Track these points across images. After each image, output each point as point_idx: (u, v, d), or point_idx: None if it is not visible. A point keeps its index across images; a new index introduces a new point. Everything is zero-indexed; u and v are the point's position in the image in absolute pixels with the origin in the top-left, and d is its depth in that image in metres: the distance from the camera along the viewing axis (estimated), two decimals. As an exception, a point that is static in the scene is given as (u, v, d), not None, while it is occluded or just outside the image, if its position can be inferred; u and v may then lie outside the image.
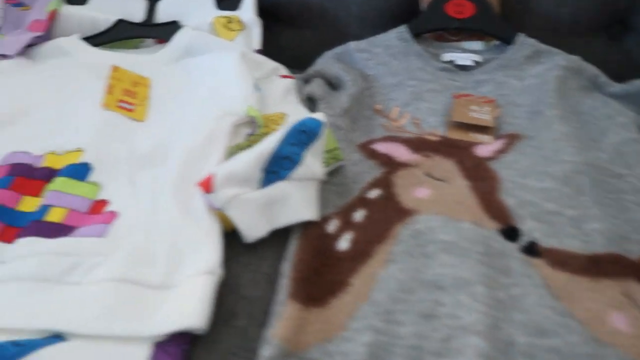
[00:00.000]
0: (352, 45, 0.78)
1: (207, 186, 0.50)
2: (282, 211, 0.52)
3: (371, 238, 0.51)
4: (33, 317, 0.43)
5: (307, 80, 0.77)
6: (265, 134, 0.62)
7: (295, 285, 0.47)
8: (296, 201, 0.52)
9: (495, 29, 0.76)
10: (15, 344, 0.41)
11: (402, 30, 0.78)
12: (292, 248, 0.51)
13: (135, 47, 0.84)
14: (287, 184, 0.52)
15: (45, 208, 0.52)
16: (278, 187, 0.51)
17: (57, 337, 0.42)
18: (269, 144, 0.51)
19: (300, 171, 0.52)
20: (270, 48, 0.81)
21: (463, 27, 0.76)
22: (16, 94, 0.69)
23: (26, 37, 0.78)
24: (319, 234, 0.52)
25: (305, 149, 0.53)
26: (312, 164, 0.53)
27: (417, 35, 0.78)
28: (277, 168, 0.52)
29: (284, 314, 0.45)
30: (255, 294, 0.48)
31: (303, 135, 0.52)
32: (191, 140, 0.58)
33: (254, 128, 0.60)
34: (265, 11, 0.85)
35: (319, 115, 0.54)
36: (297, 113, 0.68)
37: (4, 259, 0.49)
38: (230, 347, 0.44)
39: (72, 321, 0.43)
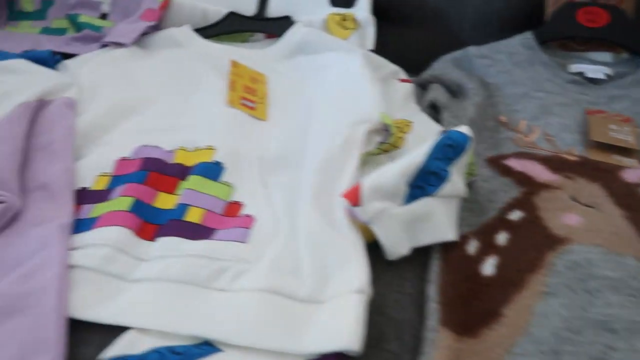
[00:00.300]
0: (472, 50, 0.74)
1: (353, 198, 0.48)
2: (425, 229, 0.50)
3: (520, 266, 0.48)
4: (183, 322, 0.43)
5: (422, 86, 0.74)
6: (395, 143, 0.60)
7: (446, 311, 0.45)
8: (440, 219, 0.50)
9: (632, 41, 0.71)
10: (172, 350, 0.41)
11: (527, 37, 0.74)
12: (435, 269, 0.49)
13: (244, 40, 0.82)
14: (432, 200, 0.49)
15: (183, 207, 0.51)
16: (423, 204, 0.49)
17: (211, 347, 0.42)
18: (416, 157, 0.49)
19: (446, 188, 0.50)
20: (376, 48, 0.78)
21: (596, 37, 0.72)
22: (135, 83, 0.68)
23: (141, 26, 0.78)
24: (460, 256, 0.50)
25: (451, 164, 0.50)
26: (457, 180, 0.51)
27: (542, 42, 0.74)
28: (422, 183, 0.49)
29: (439, 343, 0.43)
30: (403, 316, 0.46)
31: (450, 150, 0.50)
32: (326, 145, 0.56)
33: (385, 136, 0.58)
34: (375, 9, 0.82)
35: (464, 129, 0.51)
36: (422, 121, 0.66)
37: (146, 256, 0.48)
38: (383, 371, 0.43)
39: (224, 330, 0.42)
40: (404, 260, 0.50)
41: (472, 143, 0.51)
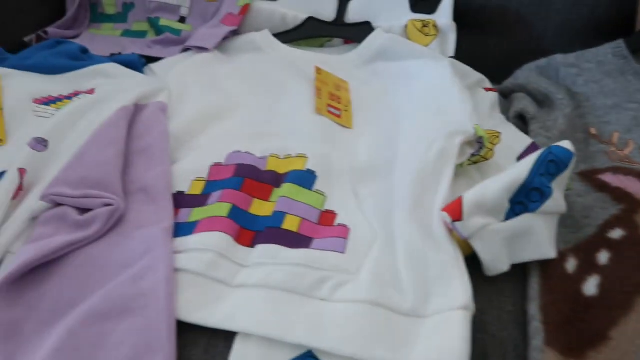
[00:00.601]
0: (559, 58, 0.72)
1: (454, 213, 0.48)
2: (525, 246, 0.49)
3: (625, 287, 0.47)
4: (288, 330, 0.44)
5: (504, 95, 0.73)
6: (486, 155, 0.59)
7: (551, 331, 0.45)
8: (541, 236, 0.49)
9: None
10: None
11: (619, 45, 0.71)
12: (535, 287, 0.48)
13: (321, 45, 0.83)
14: (534, 217, 0.49)
15: (280, 215, 0.52)
16: (524, 220, 0.48)
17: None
18: (519, 173, 0.48)
19: (548, 204, 0.49)
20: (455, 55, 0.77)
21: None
22: (220, 88, 0.70)
23: (223, 30, 0.80)
24: (560, 274, 0.49)
25: (553, 181, 0.49)
26: (559, 197, 0.50)
27: (634, 52, 0.71)
28: (524, 199, 0.49)
29: (545, 363, 0.42)
30: (505, 334, 0.46)
31: (552, 166, 0.49)
32: (420, 156, 0.56)
33: (477, 148, 0.58)
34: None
35: (567, 144, 0.50)
36: (509, 132, 0.65)
37: (245, 263, 0.49)
38: (487, 390, 0.42)
39: (329, 340, 0.43)
40: (502, 276, 0.49)
41: (574, 159, 0.50)
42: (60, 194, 0.52)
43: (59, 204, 0.53)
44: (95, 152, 0.57)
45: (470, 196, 0.48)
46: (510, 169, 0.50)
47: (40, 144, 0.58)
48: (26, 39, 0.84)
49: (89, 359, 0.42)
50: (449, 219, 0.48)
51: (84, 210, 0.53)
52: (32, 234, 0.51)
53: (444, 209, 0.49)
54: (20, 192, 0.54)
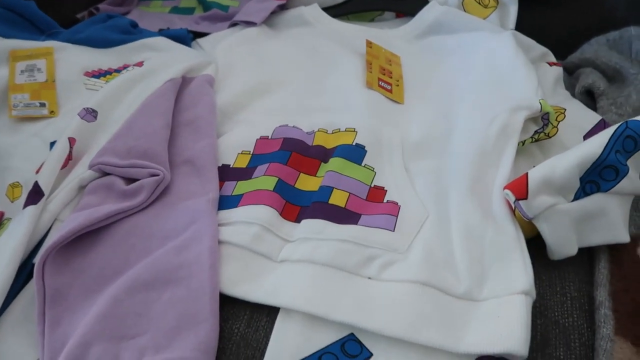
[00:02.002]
0: (633, 31, 0.66)
1: (519, 191, 0.44)
2: (596, 229, 0.45)
3: None
4: (333, 308, 0.42)
5: (569, 70, 0.68)
6: (550, 132, 0.55)
7: (622, 320, 0.41)
8: (613, 219, 0.45)
9: None
10: None
11: (702, 17, 0.65)
12: (604, 272, 0.44)
13: (371, 20, 0.80)
14: (606, 197, 0.45)
15: (327, 190, 0.50)
16: (596, 201, 0.44)
17: (359, 349, 0.40)
18: (593, 149, 0.44)
19: (623, 184, 0.44)
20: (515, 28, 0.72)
21: None
22: (268, 62, 0.68)
23: (270, 5, 0.77)
24: (633, 260, 0.45)
25: (630, 158, 0.45)
26: (635, 176, 0.45)
27: None
28: (596, 178, 0.44)
29: (616, 354, 0.39)
30: (569, 321, 0.42)
31: (629, 142, 0.44)
32: (481, 132, 0.52)
33: (541, 125, 0.53)
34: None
35: (646, 119, 0.45)
36: (574, 108, 0.60)
37: (290, 238, 0.48)
38: (551, 380, 0.39)
39: (376, 321, 0.40)
40: (564, 260, 0.46)
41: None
42: (108, 163, 0.52)
43: (106, 173, 0.53)
44: (143, 123, 0.56)
45: (537, 173, 0.44)
46: (582, 145, 0.45)
47: (90, 114, 0.58)
48: (78, 16, 0.85)
49: (133, 326, 0.42)
50: (512, 198, 0.44)
51: (130, 180, 0.52)
52: (80, 202, 0.51)
53: (507, 187, 0.45)
54: (69, 161, 0.54)
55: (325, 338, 0.41)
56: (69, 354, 0.40)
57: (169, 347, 0.41)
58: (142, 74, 0.64)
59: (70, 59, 0.69)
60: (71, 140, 0.55)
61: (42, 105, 0.63)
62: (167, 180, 0.52)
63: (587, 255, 0.46)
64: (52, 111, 0.63)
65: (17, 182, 0.55)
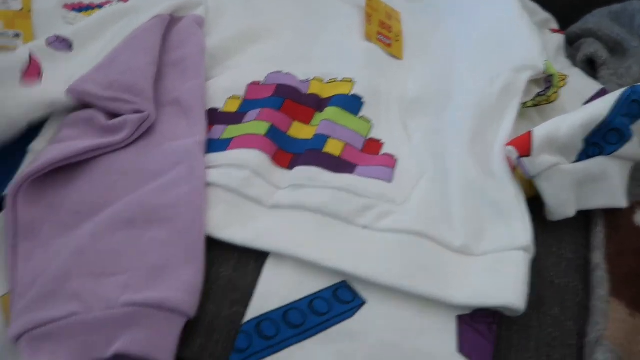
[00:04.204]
0: (636, 4, 0.65)
1: (522, 147, 0.43)
2: (596, 192, 0.44)
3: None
4: (325, 254, 0.40)
5: (571, 41, 0.67)
6: (551, 97, 0.53)
7: (617, 282, 0.40)
8: (613, 183, 0.44)
9: None
10: (314, 310, 0.38)
11: None
12: (600, 236, 0.44)
13: (372, -24, 0.77)
14: (609, 160, 0.44)
15: (322, 138, 0.48)
16: (599, 163, 0.44)
17: (351, 296, 0.39)
18: (599, 110, 0.43)
19: (626, 148, 0.44)
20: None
21: None
22: (261, 9, 0.65)
23: (267, -50, 0.74)
24: (629, 225, 0.45)
25: (634, 123, 0.44)
26: (637, 142, 0.44)
27: None
28: (599, 140, 0.44)
29: (611, 315, 0.38)
30: (564, 281, 0.42)
31: (635, 107, 0.44)
32: (482, 89, 0.51)
33: (544, 87, 0.52)
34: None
35: (654, 84, 0.44)
36: (575, 76, 0.59)
37: (282, 184, 0.45)
38: (545, 336, 0.38)
39: (370, 268, 0.39)
40: (561, 222, 0.45)
41: (660, 101, 0.45)
42: (88, 92, 0.48)
43: (85, 107, 0.49)
44: (127, 57, 0.52)
45: (541, 130, 0.43)
46: (588, 106, 0.44)
47: (62, 42, 0.53)
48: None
49: (113, 264, 0.39)
50: (515, 154, 0.43)
51: (112, 116, 0.49)
52: (58, 134, 0.47)
53: (510, 143, 0.44)
54: (34, 79, 0.50)
55: (317, 283, 0.39)
56: (43, 287, 0.38)
57: (151, 286, 0.38)
58: (127, 10, 0.60)
59: (50, -11, 0.64)
60: (35, 59, 0.50)
61: (17, 35, 0.59)
62: (152, 118, 0.48)
63: (584, 218, 0.46)
64: (28, 41, 0.58)
65: None
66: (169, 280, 0.39)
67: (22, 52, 0.50)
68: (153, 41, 0.55)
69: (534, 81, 0.52)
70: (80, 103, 0.49)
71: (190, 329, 0.38)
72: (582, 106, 0.45)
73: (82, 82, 0.49)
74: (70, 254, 0.40)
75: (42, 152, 0.45)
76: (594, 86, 0.57)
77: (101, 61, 0.52)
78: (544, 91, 0.52)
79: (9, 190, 0.42)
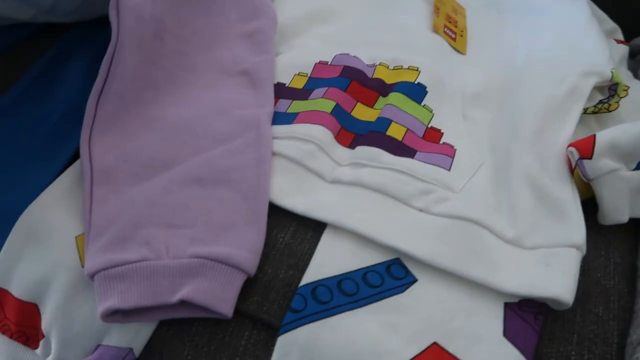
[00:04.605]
0: None
1: (585, 149, 0.44)
2: (650, 202, 0.45)
3: None
4: (382, 229, 0.42)
5: (634, 52, 0.67)
6: (611, 105, 0.54)
7: (663, 290, 0.41)
8: (670, 193, 0.45)
9: None
10: (367, 282, 0.40)
11: None
12: (650, 244, 0.45)
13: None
14: (668, 171, 0.44)
15: (386, 121, 0.49)
16: (657, 174, 0.44)
17: (404, 274, 0.40)
18: (665, 121, 0.43)
19: (687, 162, 0.44)
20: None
21: None
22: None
23: None
24: (679, 237, 0.45)
25: (697, 138, 0.44)
26: (697, 156, 0.45)
27: None
28: (661, 150, 0.44)
29: (655, 320, 0.39)
30: (610, 283, 0.43)
31: (701, 121, 0.44)
32: (549, 90, 0.51)
33: (607, 95, 0.53)
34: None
35: None
36: (638, 89, 0.59)
37: (343, 162, 0.47)
38: (588, 332, 0.40)
39: (424, 248, 0.41)
40: (611, 227, 0.46)
41: None
42: None
43: None
44: None
45: (605, 135, 0.44)
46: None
47: None
48: None
49: (182, 217, 0.42)
50: (576, 155, 0.44)
51: None
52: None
53: (573, 144, 0.45)
54: None
55: (371, 257, 0.41)
56: (118, 231, 0.40)
57: (216, 241, 0.41)
58: None
59: None
60: None
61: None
62: None
63: (634, 226, 0.46)
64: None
65: None
66: (233, 238, 0.41)
67: None
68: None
69: (597, 88, 0.53)
70: None
71: (249, 287, 0.41)
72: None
73: None
74: (142, 203, 0.42)
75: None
76: (655, 99, 0.57)
77: None
78: (607, 99, 0.53)
79: (82, 134, 0.44)
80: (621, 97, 0.56)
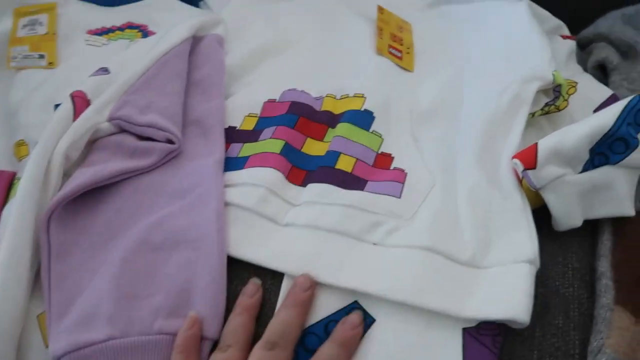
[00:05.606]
0: (650, 6, 0.65)
1: (528, 160, 0.44)
2: (603, 201, 0.45)
3: None
4: (337, 273, 0.42)
5: (582, 45, 0.67)
6: (560, 105, 0.54)
7: (622, 290, 0.41)
8: (620, 192, 0.45)
9: None
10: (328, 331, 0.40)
11: None
12: (607, 244, 0.45)
13: (383, -14, 0.78)
14: (615, 170, 0.44)
15: (334, 154, 0.50)
16: (605, 173, 0.44)
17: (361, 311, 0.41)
18: (604, 120, 0.44)
19: (633, 157, 0.44)
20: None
21: None
22: (277, 25, 0.67)
23: (281, -35, 0.76)
24: (637, 232, 0.45)
25: (640, 132, 0.44)
26: (643, 149, 0.45)
27: None
28: (605, 150, 0.44)
29: (615, 322, 0.39)
30: (569, 290, 0.43)
31: (640, 115, 0.44)
32: (492, 101, 0.52)
33: (553, 97, 0.53)
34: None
35: (659, 93, 0.45)
36: (586, 83, 0.59)
37: (295, 201, 0.47)
38: (548, 346, 0.40)
39: (380, 285, 0.41)
40: (567, 231, 0.46)
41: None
42: (127, 119, 0.50)
43: (121, 129, 0.52)
44: (163, 81, 0.54)
45: (546, 143, 0.44)
46: (593, 116, 0.45)
47: (100, 70, 0.56)
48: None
49: (145, 286, 0.42)
50: (520, 167, 0.44)
51: (141, 137, 0.51)
52: (88, 157, 0.50)
53: (516, 156, 0.45)
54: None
55: (332, 304, 0.41)
56: (81, 310, 0.41)
57: (180, 310, 0.41)
58: (154, 40, 0.62)
59: (74, 15, 0.68)
60: (77, 95, 0.53)
61: (41, 57, 0.63)
62: (180, 149, 0.51)
63: (591, 227, 0.46)
64: (51, 62, 0.62)
65: (22, 139, 0.54)
66: (196, 304, 0.41)
67: (64, 103, 0.52)
68: (183, 66, 0.57)
69: (543, 91, 0.53)
70: (119, 129, 0.51)
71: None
72: (588, 116, 0.45)
73: (120, 106, 0.51)
74: (102, 277, 0.42)
75: (73, 176, 0.48)
76: (605, 92, 0.57)
77: (137, 83, 0.54)
78: (552, 101, 0.53)
79: (42, 214, 0.45)
80: (570, 95, 0.56)
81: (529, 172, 0.44)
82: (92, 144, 0.52)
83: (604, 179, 0.44)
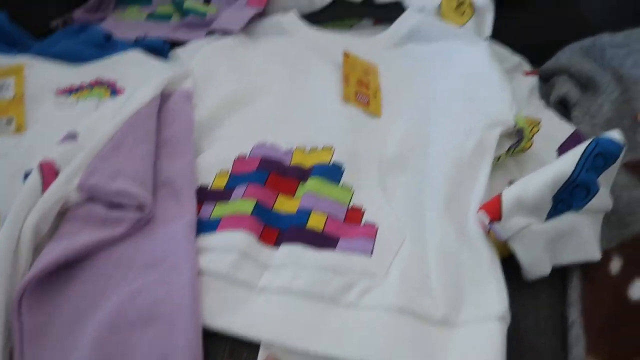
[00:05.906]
0: (606, 38, 0.67)
1: (493, 212, 0.45)
2: (568, 247, 0.46)
3: (678, 292, 0.44)
4: (312, 339, 0.42)
5: (545, 78, 0.69)
6: (524, 146, 0.55)
7: (592, 338, 0.42)
8: (584, 237, 0.46)
9: None
10: None
11: (674, 24, 0.66)
12: (576, 290, 0.45)
13: (350, 26, 0.80)
14: (578, 216, 0.45)
15: (305, 212, 0.50)
16: (568, 220, 0.45)
17: None
18: (565, 168, 0.44)
19: (594, 202, 0.45)
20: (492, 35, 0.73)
21: None
22: (245, 73, 0.68)
23: (248, 12, 0.77)
24: (603, 276, 0.46)
25: (600, 175, 0.45)
26: (604, 193, 0.46)
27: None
28: (567, 196, 0.45)
29: (587, 374, 0.40)
30: (542, 342, 0.43)
31: (599, 159, 0.45)
32: (457, 149, 0.53)
33: (516, 140, 0.54)
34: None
35: (616, 135, 0.46)
36: (549, 119, 0.61)
37: (269, 263, 0.48)
38: (525, 402, 0.40)
39: (355, 350, 0.41)
40: (538, 279, 0.46)
41: (624, 151, 0.46)
42: (97, 188, 0.50)
43: (89, 199, 0.52)
44: (132, 144, 0.54)
45: (510, 194, 0.45)
46: (553, 164, 0.46)
47: (67, 137, 0.56)
48: (53, 24, 0.84)
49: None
50: (486, 219, 0.45)
51: (113, 204, 0.51)
52: (58, 230, 0.50)
53: (481, 208, 0.46)
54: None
55: None
56: None
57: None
58: (122, 100, 0.62)
59: (42, 75, 0.68)
60: (44, 166, 0.53)
61: (9, 122, 0.62)
62: (150, 216, 0.51)
63: (560, 273, 0.47)
64: (19, 126, 0.62)
65: None
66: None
67: (33, 173, 0.51)
68: (152, 127, 0.57)
69: (507, 135, 0.54)
70: (89, 197, 0.51)
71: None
72: (549, 163, 0.46)
73: (90, 174, 0.51)
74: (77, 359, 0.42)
75: (43, 252, 0.48)
76: (567, 128, 0.58)
77: (106, 148, 0.54)
78: (516, 144, 0.54)
79: (14, 295, 0.44)
80: (534, 134, 0.57)
81: (495, 224, 0.44)
82: (63, 215, 0.51)
83: (568, 226, 0.45)
